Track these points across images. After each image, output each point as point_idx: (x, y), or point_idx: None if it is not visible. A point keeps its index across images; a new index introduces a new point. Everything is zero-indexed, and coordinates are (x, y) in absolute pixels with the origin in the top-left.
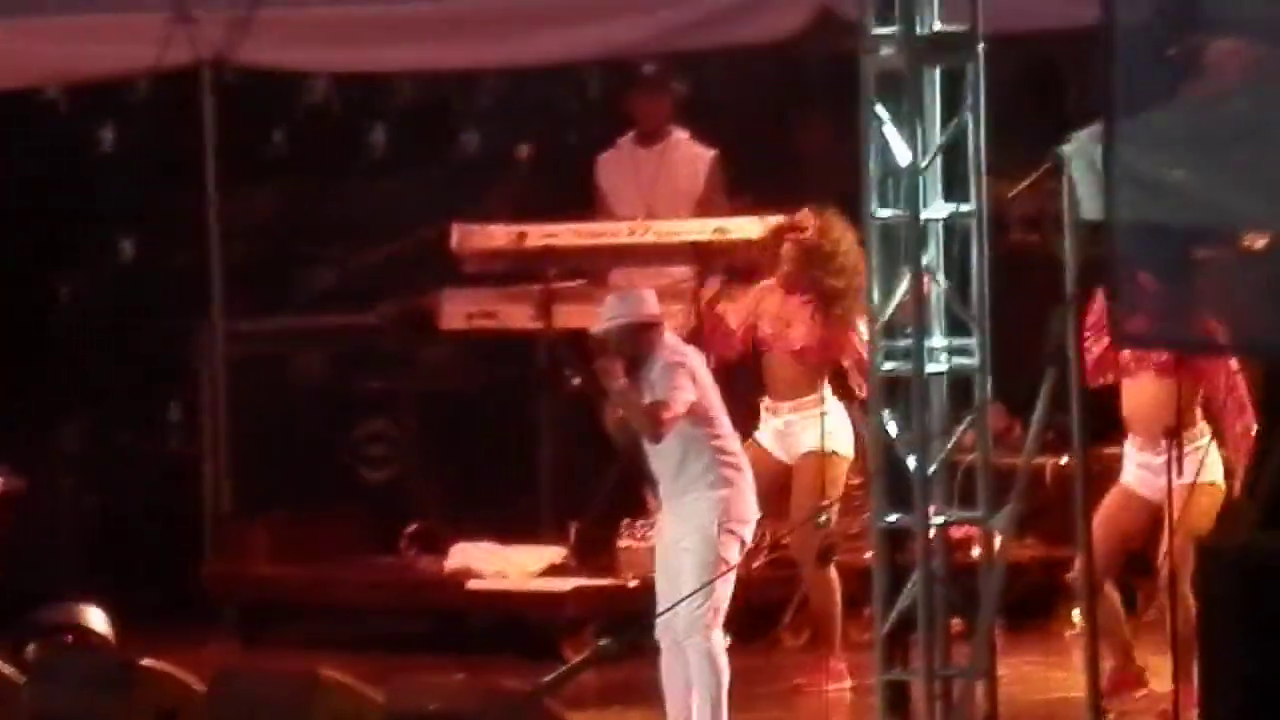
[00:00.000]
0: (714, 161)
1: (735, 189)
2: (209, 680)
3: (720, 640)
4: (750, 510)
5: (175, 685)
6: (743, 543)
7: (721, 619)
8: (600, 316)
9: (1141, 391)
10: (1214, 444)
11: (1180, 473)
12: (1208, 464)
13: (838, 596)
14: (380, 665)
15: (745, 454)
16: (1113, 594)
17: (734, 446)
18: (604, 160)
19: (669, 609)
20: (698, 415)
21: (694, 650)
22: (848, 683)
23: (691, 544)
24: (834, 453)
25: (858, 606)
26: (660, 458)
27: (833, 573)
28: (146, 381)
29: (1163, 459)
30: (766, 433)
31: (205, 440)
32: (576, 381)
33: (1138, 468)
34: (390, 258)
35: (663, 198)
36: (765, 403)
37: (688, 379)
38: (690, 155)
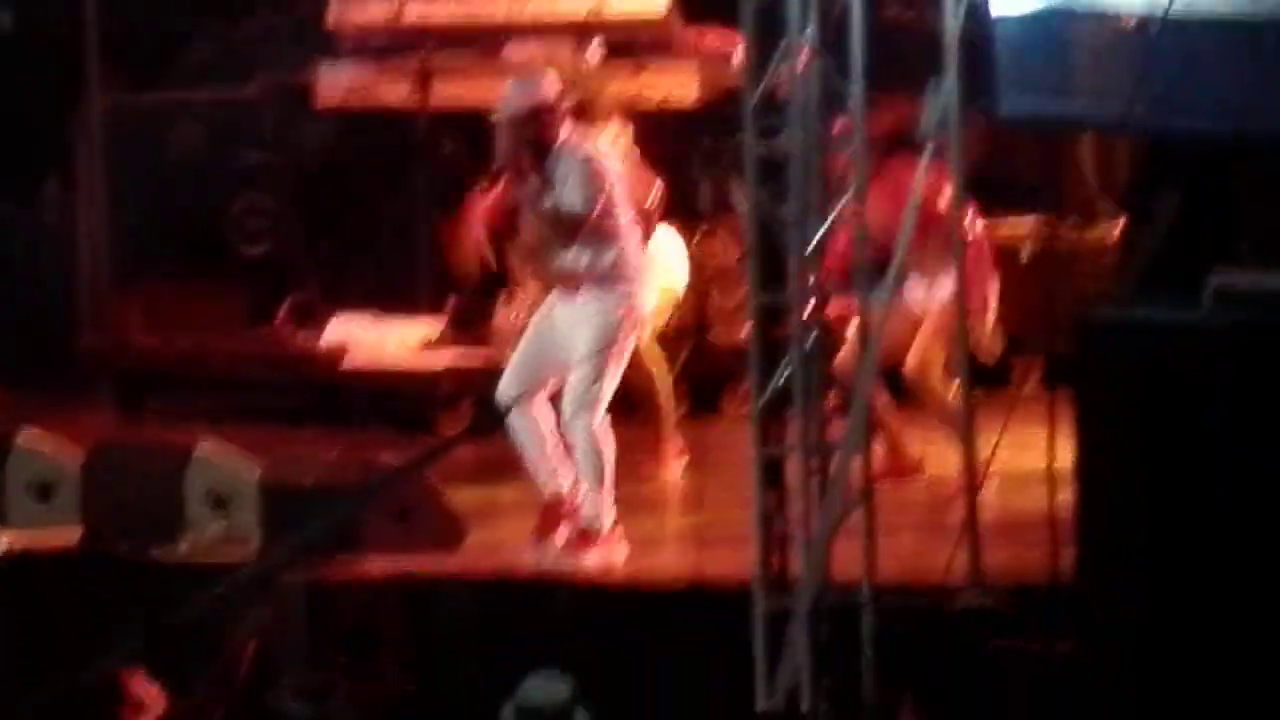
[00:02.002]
0: None
1: None
2: (86, 451)
3: (603, 419)
4: (649, 304)
5: (52, 457)
6: (638, 336)
7: (605, 403)
8: (501, 101)
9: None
10: None
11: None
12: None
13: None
14: (257, 438)
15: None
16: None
17: (636, 238)
18: None
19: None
20: (606, 211)
21: (581, 430)
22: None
23: (592, 326)
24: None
25: (735, 382)
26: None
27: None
28: (24, 154)
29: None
30: None
31: (81, 213)
32: (450, 151)
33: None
34: (268, 31)
35: None
36: None
37: (599, 178)
38: None
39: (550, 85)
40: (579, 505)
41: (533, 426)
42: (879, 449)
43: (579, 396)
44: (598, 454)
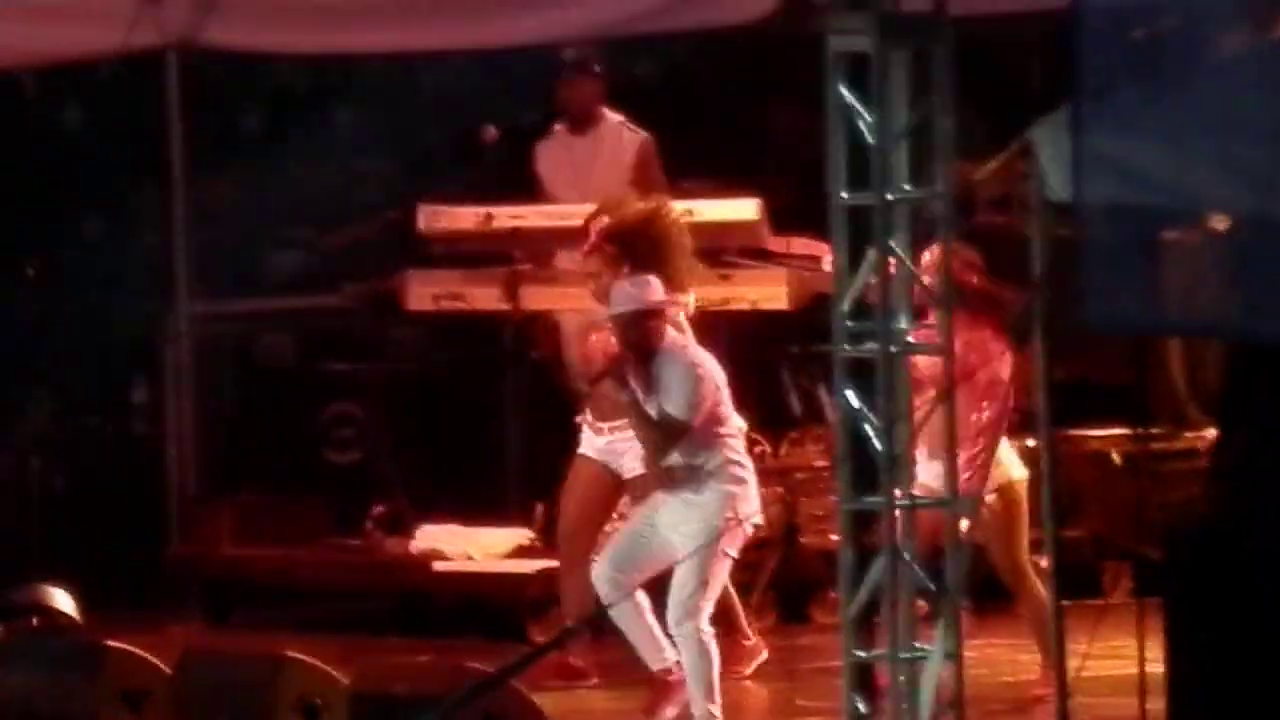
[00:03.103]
0: (645, 144)
1: (700, 172)
2: (175, 662)
3: (709, 628)
4: (755, 506)
5: (142, 666)
6: (744, 537)
7: (711, 608)
8: (612, 303)
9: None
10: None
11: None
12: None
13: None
14: (346, 647)
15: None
16: None
17: (742, 444)
18: (541, 148)
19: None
20: (713, 416)
21: (687, 637)
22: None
23: (693, 531)
24: None
25: (824, 589)
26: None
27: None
28: (113, 364)
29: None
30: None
31: (170, 423)
32: (540, 357)
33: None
34: (357, 240)
35: (597, 183)
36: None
37: (704, 386)
38: (621, 139)
39: (657, 289)
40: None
41: (633, 607)
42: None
43: (683, 602)
44: (708, 661)
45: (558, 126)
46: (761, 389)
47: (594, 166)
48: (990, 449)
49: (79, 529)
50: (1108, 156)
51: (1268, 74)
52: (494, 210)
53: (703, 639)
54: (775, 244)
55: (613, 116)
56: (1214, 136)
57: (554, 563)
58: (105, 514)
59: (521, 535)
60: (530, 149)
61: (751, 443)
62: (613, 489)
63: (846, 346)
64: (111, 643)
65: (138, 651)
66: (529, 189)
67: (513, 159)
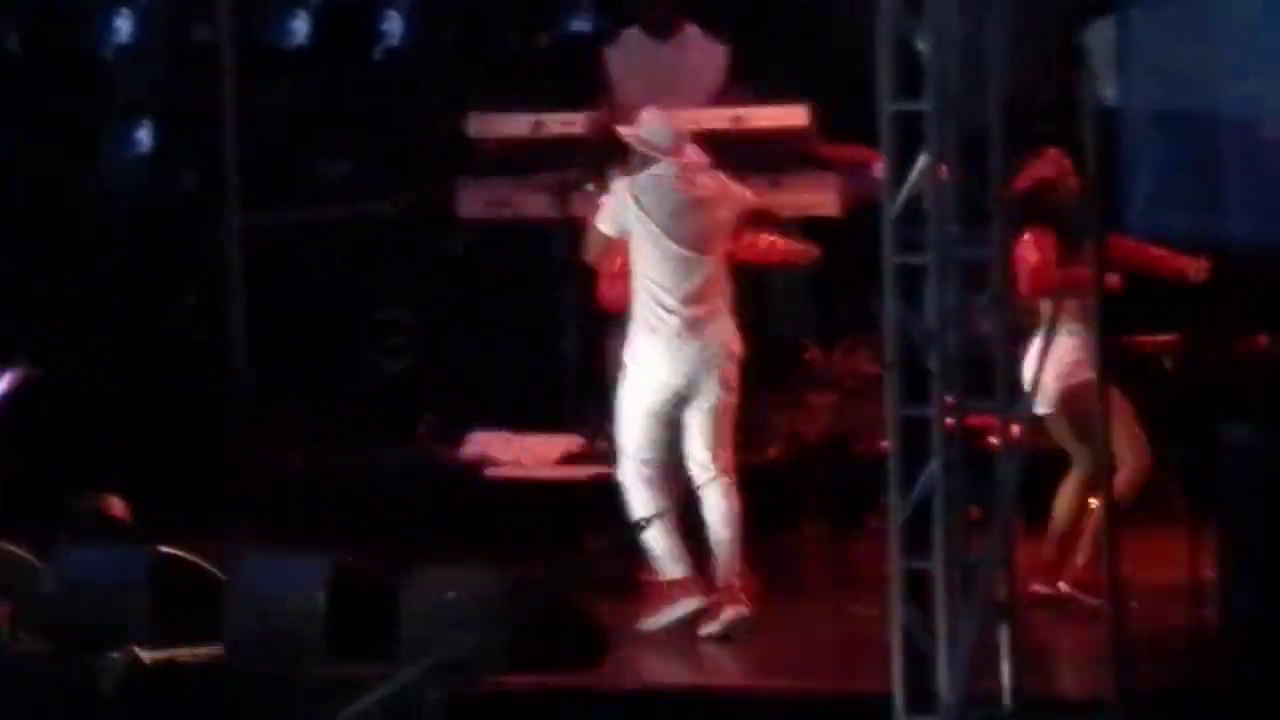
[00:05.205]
0: (726, 55)
1: (744, 80)
2: (228, 567)
3: None
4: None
5: (196, 573)
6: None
7: None
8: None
9: None
10: None
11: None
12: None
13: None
14: (398, 553)
15: None
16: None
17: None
18: (611, 52)
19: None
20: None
21: (722, 490)
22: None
23: (712, 384)
24: None
25: (876, 496)
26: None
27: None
28: (167, 271)
29: None
30: None
31: (223, 332)
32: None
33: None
34: (407, 147)
35: (680, 90)
36: None
37: None
38: (708, 49)
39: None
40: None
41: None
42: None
43: (715, 461)
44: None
45: (628, 31)
46: (812, 296)
47: (678, 74)
48: None
49: (137, 435)
50: (1156, 62)
51: None
52: (544, 117)
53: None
54: (826, 150)
55: (691, 26)
56: (1268, 39)
57: (606, 469)
58: (161, 422)
59: (573, 442)
60: (597, 55)
61: (802, 350)
62: None
63: (898, 254)
64: (166, 549)
65: (192, 558)
66: (581, 97)
67: (563, 67)
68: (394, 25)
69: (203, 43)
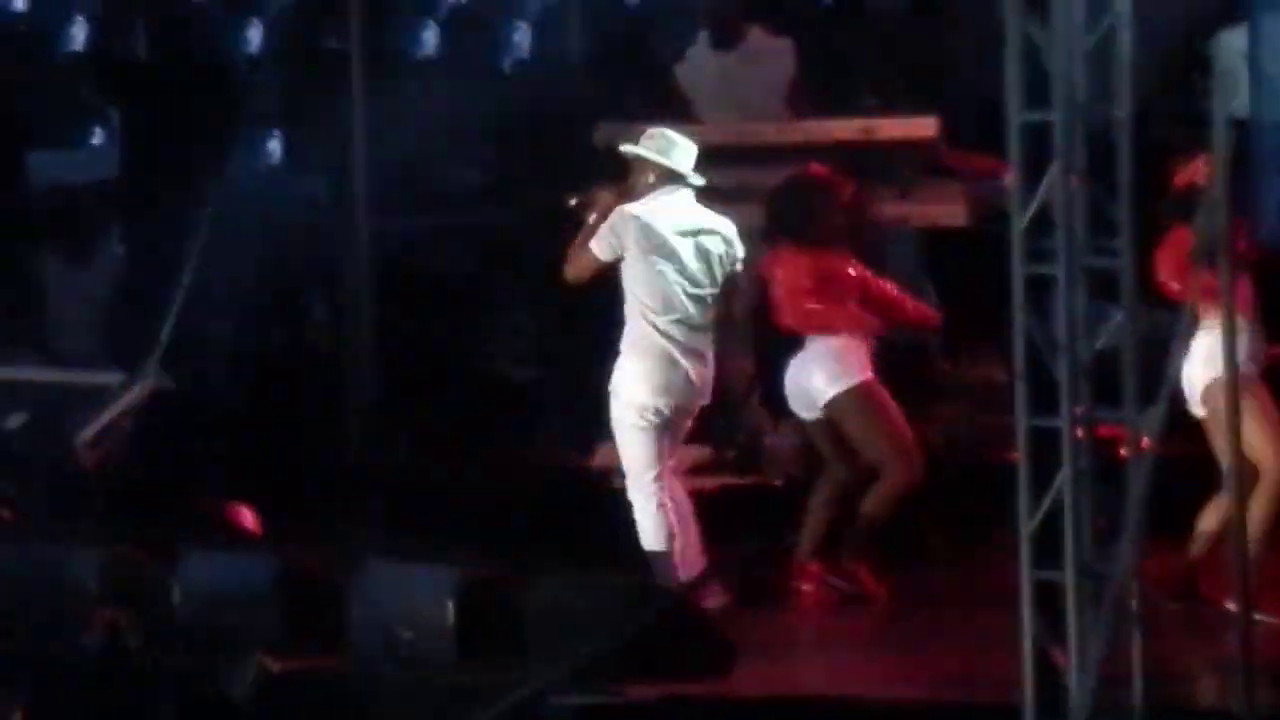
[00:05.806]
0: (794, 49)
1: (878, 93)
2: (354, 574)
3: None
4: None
5: (317, 580)
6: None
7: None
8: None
9: None
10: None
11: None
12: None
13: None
14: (524, 561)
15: None
16: None
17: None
18: (682, 68)
19: None
20: None
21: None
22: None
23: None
24: None
25: (1004, 507)
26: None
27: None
28: (293, 280)
29: None
30: None
31: (349, 337)
32: None
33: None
34: (535, 156)
35: (753, 99)
36: None
37: None
38: (774, 51)
39: None
40: None
41: None
42: None
43: None
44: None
45: (694, 48)
46: (942, 305)
47: (750, 83)
48: None
49: (260, 443)
50: None
51: None
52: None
53: None
54: (953, 160)
55: (754, 29)
56: None
57: (734, 480)
58: (286, 427)
59: (701, 452)
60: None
61: (930, 358)
62: None
63: (1027, 265)
64: (289, 558)
65: (313, 564)
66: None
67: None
68: (522, 36)
69: (332, 52)
